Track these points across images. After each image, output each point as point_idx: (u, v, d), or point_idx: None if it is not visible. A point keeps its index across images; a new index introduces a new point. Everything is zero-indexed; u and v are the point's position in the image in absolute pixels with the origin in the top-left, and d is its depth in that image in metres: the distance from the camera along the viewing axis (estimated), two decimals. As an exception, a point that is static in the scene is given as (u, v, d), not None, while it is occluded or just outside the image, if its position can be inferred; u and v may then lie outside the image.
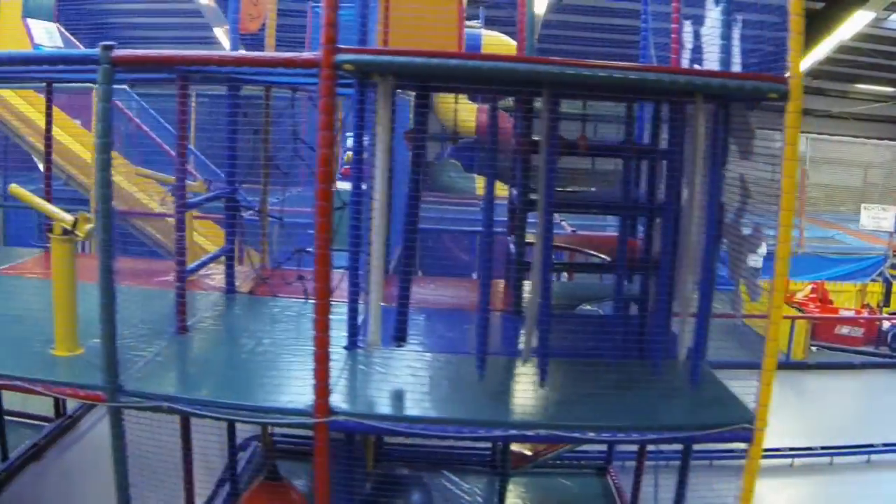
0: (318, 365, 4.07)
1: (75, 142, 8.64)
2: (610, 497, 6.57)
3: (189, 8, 14.60)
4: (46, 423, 7.13)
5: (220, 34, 14.40)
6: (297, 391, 4.35)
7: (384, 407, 4.27)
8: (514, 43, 11.68)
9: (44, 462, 6.74)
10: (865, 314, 11.86)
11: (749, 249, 4.71)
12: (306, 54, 3.93)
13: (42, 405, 7.20)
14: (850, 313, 11.98)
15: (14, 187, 4.89)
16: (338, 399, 4.20)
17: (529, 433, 4.27)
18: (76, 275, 4.75)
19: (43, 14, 8.14)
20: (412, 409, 4.28)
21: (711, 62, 5.09)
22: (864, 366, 9.76)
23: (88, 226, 4.66)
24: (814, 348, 10.49)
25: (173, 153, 5.59)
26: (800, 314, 10.29)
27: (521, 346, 4.65)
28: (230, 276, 5.88)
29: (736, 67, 4.86)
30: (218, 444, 6.79)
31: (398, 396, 4.43)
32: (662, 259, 4.79)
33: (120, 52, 3.96)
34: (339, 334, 5.32)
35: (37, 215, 9.55)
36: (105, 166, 4.07)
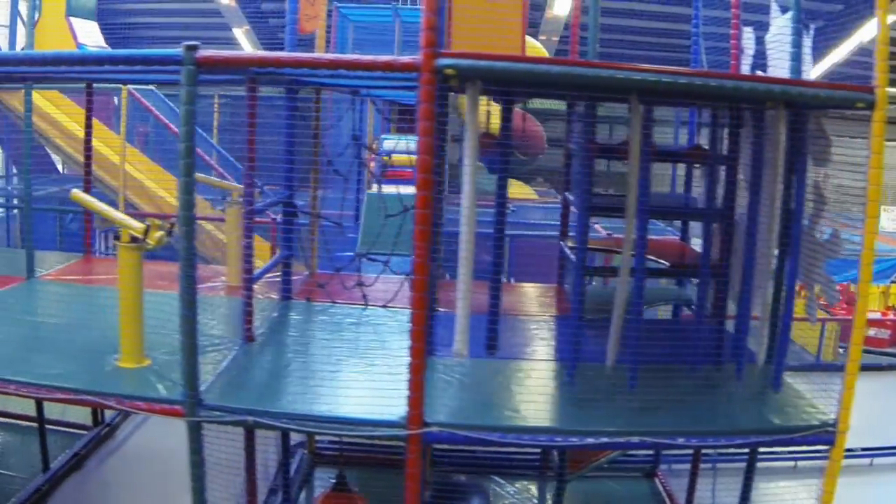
0: (413, 375, 3.98)
1: (102, 144, 8.40)
2: (660, 500, 6.56)
3: (207, 8, 14.34)
4: (84, 431, 6.95)
5: (240, 34, 14.18)
6: (379, 402, 4.27)
7: (474, 417, 4.21)
8: (538, 44, 11.73)
9: (84, 472, 6.57)
10: (891, 316, 12.03)
11: (826, 255, 4.74)
12: (406, 58, 3.84)
13: (79, 413, 7.00)
14: (877, 315, 12.13)
15: (76, 193, 4.73)
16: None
17: (621, 440, 4.24)
18: (143, 284, 4.62)
19: (85, 13, 7.91)
20: (500, 418, 4.22)
21: (779, 69, 5.10)
22: (891, 367, 9.90)
23: (159, 233, 4.52)
24: (841, 350, 10.60)
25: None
26: (829, 317, 10.41)
27: (608, 351, 4.60)
28: (286, 282, 5.76)
29: (806, 75, 4.89)
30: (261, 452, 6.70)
31: (484, 405, 4.37)
32: (746, 265, 4.79)
33: (204, 53, 3.83)
34: (401, 342, 5.30)
35: (56, 218, 9.39)
36: (188, 171, 3.94)
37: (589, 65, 3.83)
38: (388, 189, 7.69)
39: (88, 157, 6.57)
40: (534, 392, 4.45)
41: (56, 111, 8.18)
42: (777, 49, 5.21)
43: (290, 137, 5.47)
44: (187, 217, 3.97)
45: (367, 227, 6.76)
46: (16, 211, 9.14)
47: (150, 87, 8.15)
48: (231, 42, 14.35)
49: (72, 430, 6.95)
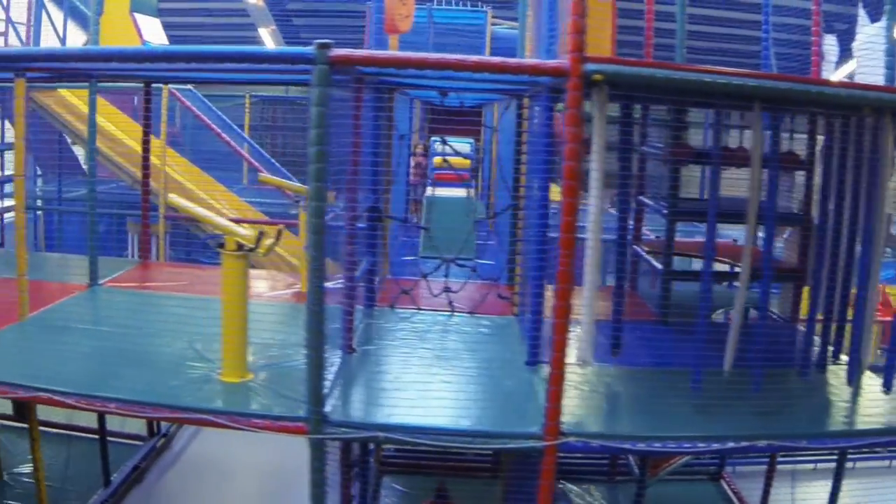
0: (552, 386, 3.91)
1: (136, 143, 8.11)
2: (727, 502, 6.59)
3: (232, 7, 13.95)
4: (139, 442, 6.71)
5: (265, 34, 13.84)
6: (504, 412, 4.21)
7: (605, 425, 4.16)
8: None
9: (146, 485, 6.34)
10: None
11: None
12: (553, 62, 3.77)
13: (133, 422, 6.75)
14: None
15: (173, 198, 4.54)
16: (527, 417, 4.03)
17: (747, 444, 4.22)
18: (248, 294, 4.46)
19: (149, 10, 7.60)
20: (631, 426, 4.19)
21: (870, 77, 5.16)
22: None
23: (269, 241, 4.36)
24: (878, 351, 10.78)
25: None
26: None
27: (726, 356, 4.59)
28: (370, 289, 5.63)
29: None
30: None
31: (610, 413, 4.32)
32: (848, 266, 4.83)
33: (338, 52, 3.70)
34: (498, 350, 5.23)
35: (80, 220, 9.02)
36: (320, 175, 3.80)
37: (732, 74, 3.79)
38: (443, 192, 7.65)
39: (146, 161, 6.33)
40: (655, 398, 4.42)
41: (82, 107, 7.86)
42: (867, 57, 5.28)
43: (376, 140, 5.36)
44: (318, 224, 3.83)
45: (428, 231, 6.64)
46: (38, 213, 8.78)
47: (189, 86, 7.90)
48: (256, 42, 14.00)
49: (127, 440, 6.70)
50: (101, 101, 8.43)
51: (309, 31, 15.02)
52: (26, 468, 6.14)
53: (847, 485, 5.56)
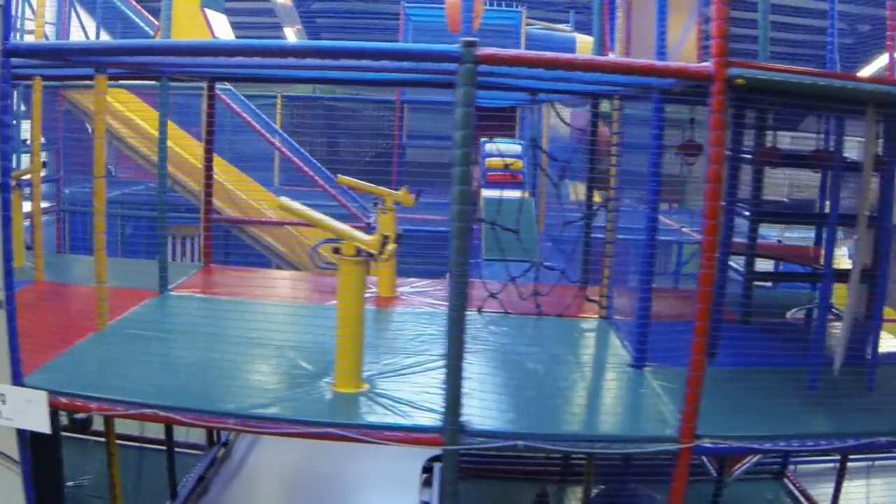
0: (690, 388, 3.90)
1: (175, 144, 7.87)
2: (797, 501, 6.65)
3: (259, 7, 13.62)
4: (199, 451, 6.51)
5: (290, 34, 13.54)
6: (630, 416, 4.21)
7: (727, 427, 4.15)
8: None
9: (211, 496, 6.15)
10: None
11: None
12: (698, 66, 3.76)
13: (192, 431, 6.55)
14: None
15: (284, 201, 4.40)
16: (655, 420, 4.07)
17: (866, 441, 4.26)
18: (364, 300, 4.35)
19: (217, 5, 7.34)
20: (758, 426, 4.19)
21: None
22: None
23: (392, 246, 4.26)
24: None
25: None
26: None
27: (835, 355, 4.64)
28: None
29: None
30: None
31: (722, 414, 4.31)
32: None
33: (485, 51, 3.62)
34: (598, 351, 5.20)
35: (117, 223, 8.72)
36: (464, 179, 3.72)
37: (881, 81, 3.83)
38: (496, 194, 7.58)
39: (210, 163, 6.14)
40: (771, 397, 4.44)
41: (125, 109, 7.59)
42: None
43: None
44: (462, 228, 3.75)
45: (490, 233, 6.58)
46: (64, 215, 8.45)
47: (229, 86, 7.68)
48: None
49: (187, 450, 6.49)
50: (132, 99, 8.22)
51: (330, 31, 14.84)
52: (84, 480, 5.92)
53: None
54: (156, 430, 5.88)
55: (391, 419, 3.99)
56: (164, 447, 5.89)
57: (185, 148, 7.82)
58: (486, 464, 6.42)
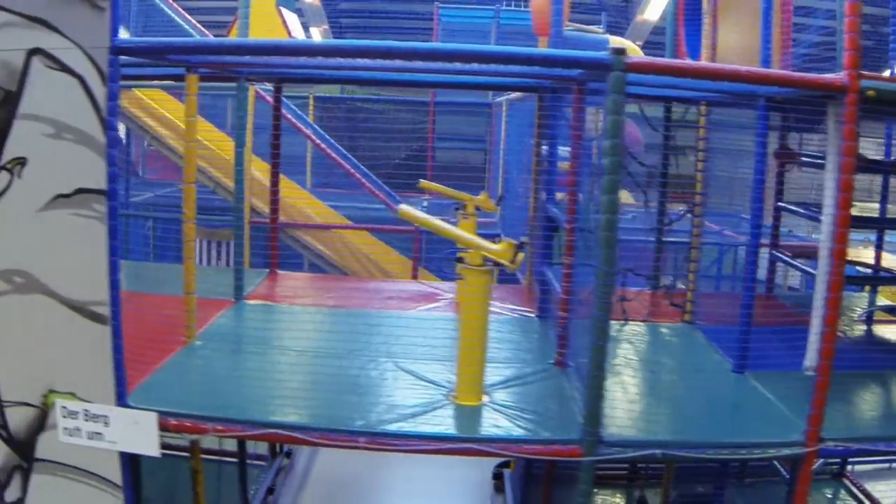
0: (817, 393, 3.98)
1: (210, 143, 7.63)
2: (859, 501, 6.69)
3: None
4: (262, 462, 6.36)
5: (316, 33, 13.20)
6: (753, 421, 4.25)
7: (854, 429, 4.24)
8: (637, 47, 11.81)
9: (282, 510, 6.02)
10: None
11: None
12: (831, 76, 3.83)
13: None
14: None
15: (405, 209, 4.32)
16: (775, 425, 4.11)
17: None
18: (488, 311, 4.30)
19: (290, 4, 7.07)
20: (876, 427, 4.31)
21: None
22: None
23: (521, 255, 4.22)
24: None
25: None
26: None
27: None
28: (545, 299, 5.55)
29: None
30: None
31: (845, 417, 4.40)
32: None
33: (634, 59, 3.64)
34: (695, 357, 5.23)
35: (148, 226, 8.43)
36: (613, 188, 3.72)
37: None
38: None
39: (276, 168, 5.99)
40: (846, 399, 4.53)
41: (163, 108, 7.32)
42: None
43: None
44: (610, 238, 3.74)
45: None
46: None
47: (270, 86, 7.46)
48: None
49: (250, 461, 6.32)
50: (166, 98, 7.96)
51: (354, 31, 14.59)
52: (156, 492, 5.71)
53: None
54: (230, 443, 5.71)
55: (522, 432, 3.96)
56: (235, 459, 5.73)
57: (226, 150, 7.60)
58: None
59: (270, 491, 6.05)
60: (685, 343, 5.33)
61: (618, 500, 6.50)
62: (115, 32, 3.74)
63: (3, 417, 4.07)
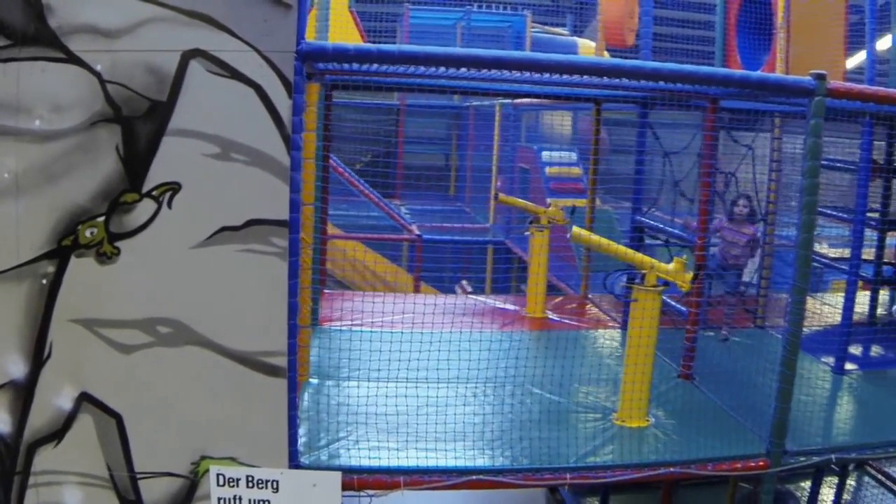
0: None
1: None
2: (881, 484, 6.88)
3: None
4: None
5: None
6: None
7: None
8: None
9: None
10: None
11: None
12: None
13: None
14: None
15: (577, 231, 4.06)
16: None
17: None
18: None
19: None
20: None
21: None
22: None
23: (689, 274, 4.09)
24: None
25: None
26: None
27: None
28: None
29: None
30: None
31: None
32: None
33: (835, 84, 3.69)
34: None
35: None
36: (811, 208, 3.71)
37: None
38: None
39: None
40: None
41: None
42: None
43: (641, 157, 5.29)
44: (806, 256, 3.74)
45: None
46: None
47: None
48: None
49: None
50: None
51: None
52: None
53: None
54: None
55: (709, 451, 3.90)
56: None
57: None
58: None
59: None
60: (770, 348, 5.46)
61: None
62: (301, 34, 3.13)
63: (137, 492, 3.28)
